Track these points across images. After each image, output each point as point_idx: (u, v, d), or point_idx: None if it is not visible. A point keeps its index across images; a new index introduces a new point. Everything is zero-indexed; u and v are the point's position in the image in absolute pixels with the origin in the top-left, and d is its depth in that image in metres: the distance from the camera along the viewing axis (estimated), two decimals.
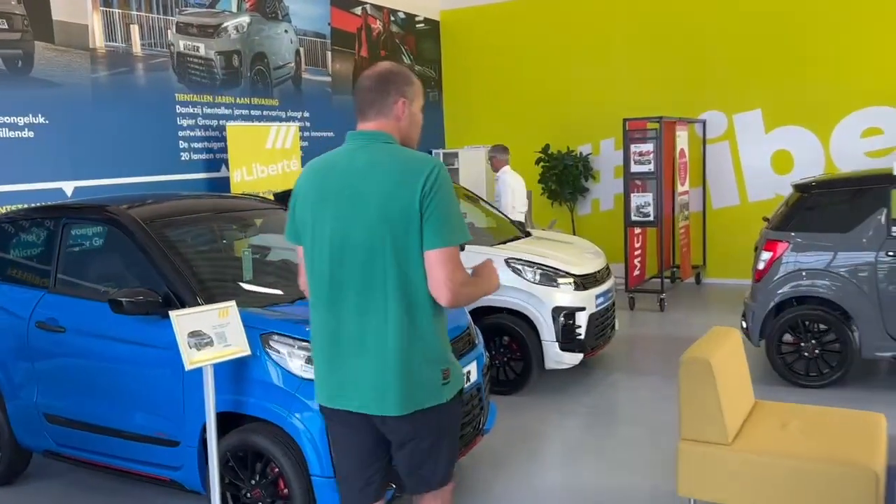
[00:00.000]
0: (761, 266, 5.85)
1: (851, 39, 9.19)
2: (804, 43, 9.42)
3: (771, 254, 5.78)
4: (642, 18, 10.34)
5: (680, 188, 9.50)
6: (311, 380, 3.22)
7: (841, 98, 9.30)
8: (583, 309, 5.80)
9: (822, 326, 5.68)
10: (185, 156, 7.66)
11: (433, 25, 11.70)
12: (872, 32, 9.08)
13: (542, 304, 5.69)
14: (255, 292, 4.19)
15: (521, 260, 5.84)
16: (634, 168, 8.64)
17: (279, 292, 4.17)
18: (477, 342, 4.29)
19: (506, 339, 5.82)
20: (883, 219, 5.44)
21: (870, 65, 9.11)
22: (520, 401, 5.67)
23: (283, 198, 7.01)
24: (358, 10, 10.09)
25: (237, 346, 3.44)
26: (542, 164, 10.73)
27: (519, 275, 5.77)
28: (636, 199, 8.68)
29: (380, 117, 2.48)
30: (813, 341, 5.68)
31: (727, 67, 9.84)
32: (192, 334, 3.34)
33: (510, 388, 5.82)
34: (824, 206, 5.75)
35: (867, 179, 5.71)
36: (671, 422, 5.22)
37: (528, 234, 6.81)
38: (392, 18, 10.79)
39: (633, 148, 8.64)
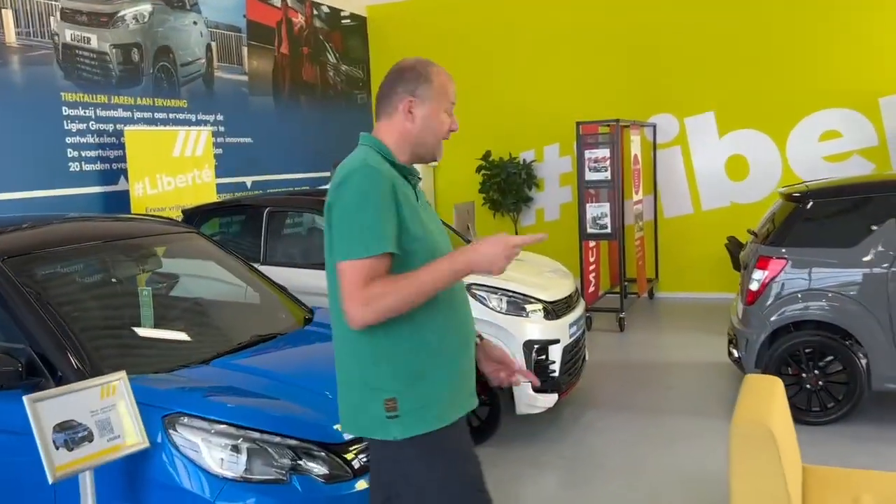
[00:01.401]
0: (755, 287, 5.14)
1: (806, 39, 8.73)
2: (758, 43, 8.92)
3: (766, 273, 5.08)
4: (587, 16, 9.66)
5: (635, 197, 8.83)
6: (235, 479, 2.33)
7: (797, 100, 8.83)
8: (556, 341, 4.96)
9: (825, 355, 5.01)
10: (74, 166, 6.45)
11: (360, 21, 10.73)
12: (826, 33, 8.64)
13: (512, 338, 4.81)
14: (157, 350, 3.15)
15: (483, 285, 4.95)
16: (589, 176, 7.90)
17: (191, 347, 3.15)
18: None
19: None
20: (892, 231, 4.81)
21: (825, 65, 8.67)
22: (488, 453, 4.75)
23: (193, 215, 5.92)
24: (277, 2, 9.03)
25: (129, 437, 2.42)
26: (482, 172, 9.91)
27: (482, 303, 4.88)
28: (592, 210, 7.94)
29: (382, 118, 2.24)
30: (816, 372, 5.01)
31: (678, 68, 9.26)
32: (62, 427, 2.30)
33: (475, 439, 4.89)
34: (824, 217, 5.10)
35: (873, 186, 5.09)
36: (664, 469, 4.44)
37: None
38: (315, 12, 9.77)
39: (588, 154, 7.91)
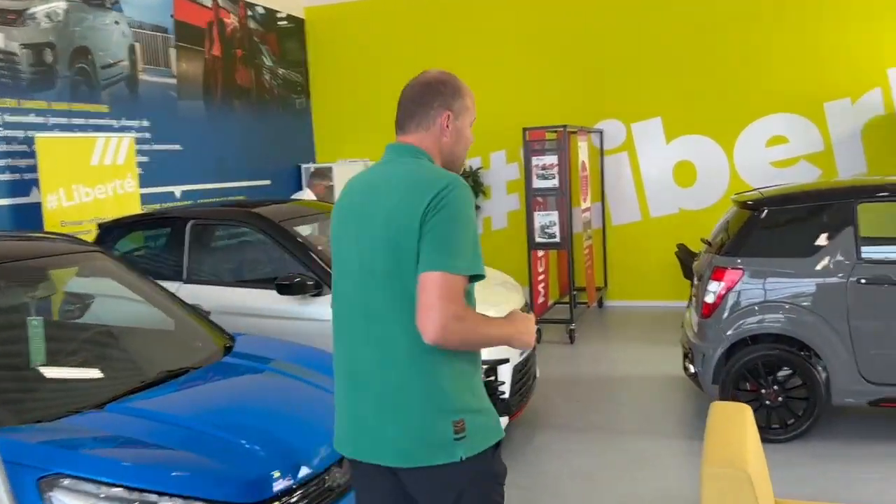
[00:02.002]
0: (710, 299, 4.90)
1: (752, 44, 8.64)
2: (705, 47, 8.80)
3: (721, 284, 4.85)
4: (532, 21, 9.41)
5: (583, 204, 8.59)
6: None
7: (743, 105, 8.73)
8: (506, 360, 4.63)
9: (785, 369, 4.81)
10: None
11: (297, 23, 10.29)
12: (772, 38, 8.57)
13: None
14: (42, 393, 2.70)
15: None
16: (537, 183, 7.63)
17: (83, 388, 2.71)
18: None
19: None
20: (850, 239, 4.63)
21: (771, 71, 8.59)
22: None
23: (110, 230, 5.43)
24: (208, 2, 8.54)
25: None
26: None
27: None
28: (540, 219, 7.67)
29: (419, 130, 2.24)
30: (775, 387, 4.79)
31: (624, 73, 9.08)
32: None
33: None
34: (780, 225, 4.89)
35: (829, 193, 4.91)
36: (625, 497, 4.15)
37: None
38: (249, 13, 9.30)
39: (535, 161, 7.63)
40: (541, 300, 7.95)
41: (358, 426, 2.10)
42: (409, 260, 1.99)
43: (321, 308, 4.63)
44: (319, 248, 5.30)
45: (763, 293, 4.77)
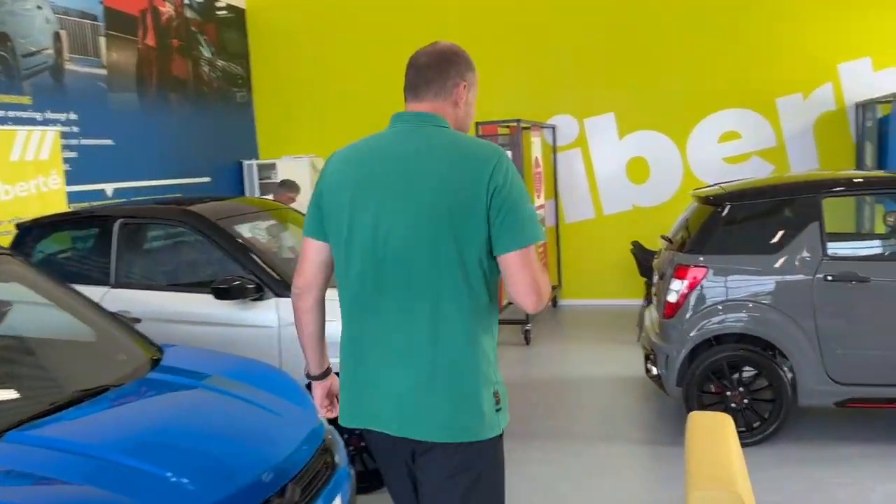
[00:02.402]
0: (673, 298, 4.71)
1: (704, 39, 8.56)
2: (657, 42, 8.68)
3: (685, 282, 4.67)
4: (484, 14, 9.16)
5: (536, 201, 8.37)
6: None
7: (696, 101, 8.65)
8: None
9: (750, 370, 4.65)
10: None
11: (238, 13, 9.84)
12: (724, 33, 8.49)
13: None
14: None
15: None
16: None
17: None
18: (338, 460, 2.71)
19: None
20: (816, 235, 4.49)
21: (723, 66, 8.52)
22: (386, 500, 4.11)
23: (30, 230, 4.98)
24: None
25: None
26: None
27: None
28: None
29: (437, 99, 2.14)
30: (741, 389, 4.63)
31: (577, 67, 8.90)
32: None
33: (369, 487, 4.22)
34: (744, 221, 4.73)
35: (793, 187, 4.76)
36: None
37: None
38: (186, 1, 8.83)
39: None
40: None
41: (398, 402, 2.01)
42: (467, 234, 1.95)
43: (263, 313, 4.29)
44: (266, 249, 4.95)
45: (727, 291, 4.60)
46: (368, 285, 2.04)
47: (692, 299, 4.65)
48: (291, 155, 9.56)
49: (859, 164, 8.10)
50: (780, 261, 4.52)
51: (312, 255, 2.17)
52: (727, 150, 8.64)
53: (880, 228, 6.29)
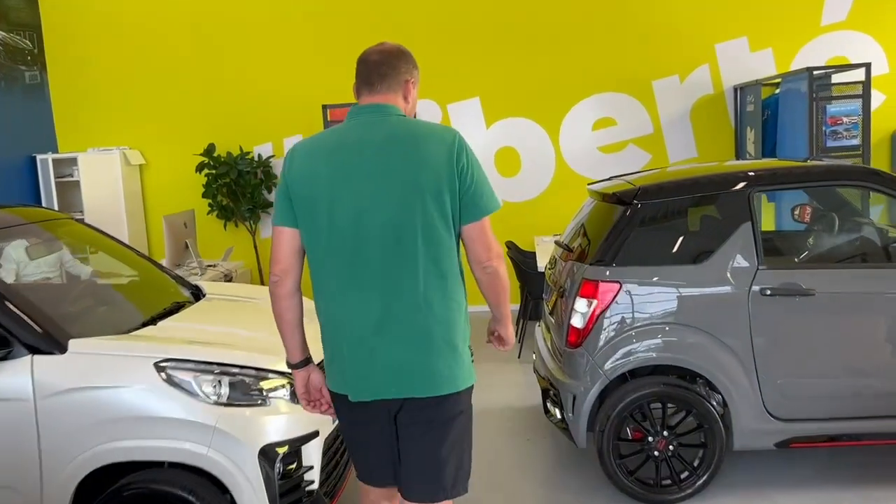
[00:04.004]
0: (579, 323, 3.75)
1: (577, 17, 7.77)
2: (524, 20, 7.81)
3: (594, 303, 3.71)
4: None
5: None
6: None
7: (568, 84, 7.85)
8: (314, 435, 3.17)
9: (678, 409, 3.77)
10: None
11: None
12: (598, 10, 7.74)
13: (239, 446, 2.93)
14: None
15: (186, 362, 3.00)
16: None
17: None
18: None
19: None
20: (749, 239, 3.66)
21: (597, 46, 7.78)
22: None
23: None
24: None
25: None
26: (205, 171, 7.80)
27: (187, 392, 2.95)
28: None
29: (389, 93, 2.37)
30: (665, 433, 3.74)
31: (437, 47, 7.86)
32: None
33: None
34: (661, 223, 3.83)
35: (717, 180, 3.90)
36: None
37: (197, 297, 3.92)
38: None
39: None
40: None
41: (401, 368, 2.26)
42: (437, 211, 2.21)
43: (9, 379, 2.91)
44: (17, 283, 3.52)
45: (643, 312, 3.69)
46: (354, 264, 2.24)
47: (604, 323, 3.71)
48: (98, 147, 7.90)
49: (740, 152, 7.60)
50: (707, 272, 3.66)
51: (287, 241, 2.34)
52: (602, 137, 7.92)
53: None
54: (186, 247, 6.66)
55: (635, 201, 3.81)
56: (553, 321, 4.16)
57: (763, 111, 6.94)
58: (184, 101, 8.15)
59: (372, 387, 2.27)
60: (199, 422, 2.90)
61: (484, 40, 7.85)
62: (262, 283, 8.00)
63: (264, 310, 2.73)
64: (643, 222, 3.78)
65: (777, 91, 7.07)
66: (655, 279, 3.69)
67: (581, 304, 3.75)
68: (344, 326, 2.28)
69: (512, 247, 7.04)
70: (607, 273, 3.71)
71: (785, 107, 6.46)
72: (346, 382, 2.32)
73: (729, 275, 3.64)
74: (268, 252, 8.31)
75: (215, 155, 7.78)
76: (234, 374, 3.02)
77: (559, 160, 7.98)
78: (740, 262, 3.63)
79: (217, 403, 2.96)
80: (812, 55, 7.51)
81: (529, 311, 6.82)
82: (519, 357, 6.29)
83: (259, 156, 8.06)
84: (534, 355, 4.63)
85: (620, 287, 3.69)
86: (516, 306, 7.42)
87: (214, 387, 2.98)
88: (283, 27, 7.98)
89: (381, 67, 2.35)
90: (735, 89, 7.65)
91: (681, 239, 3.78)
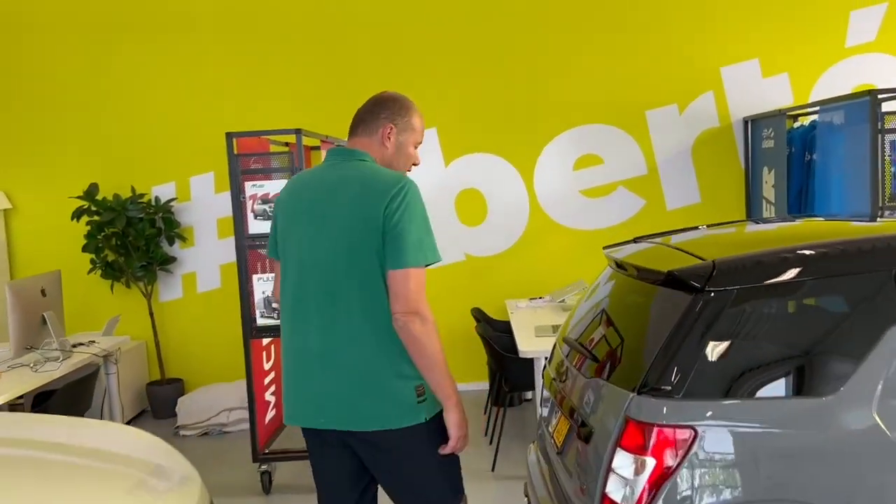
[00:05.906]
0: (619, 493, 2.20)
1: (555, 36, 6.42)
2: (492, 43, 6.43)
3: (648, 462, 2.17)
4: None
5: None
6: None
7: (544, 113, 6.52)
8: None
9: None
10: None
11: None
12: (579, 28, 6.42)
13: None
14: None
15: None
16: (254, 226, 4.61)
17: None
18: None
19: None
20: None
21: (578, 68, 6.44)
22: None
23: None
24: None
25: None
26: (84, 217, 6.12)
27: None
28: (263, 285, 4.64)
29: (364, 136, 2.54)
30: None
31: (384, 70, 6.43)
32: None
33: None
34: (758, 324, 2.32)
35: (851, 252, 2.41)
36: None
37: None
38: None
39: (250, 188, 4.61)
40: (269, 419, 4.89)
41: (329, 399, 2.39)
42: (367, 255, 2.32)
43: None
44: None
45: (743, 482, 2.17)
46: (298, 299, 2.45)
47: (664, 494, 2.16)
48: None
49: (753, 197, 6.26)
50: (844, 406, 2.16)
51: (278, 272, 2.59)
52: (585, 178, 6.54)
53: None
54: (44, 321, 4.96)
55: (709, 288, 2.30)
56: (562, 463, 2.61)
57: (788, 146, 5.60)
58: (63, 130, 6.49)
59: (300, 414, 2.48)
60: None
61: (440, 60, 6.45)
62: (159, 360, 6.33)
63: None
64: (732, 323, 2.26)
65: (802, 123, 5.77)
66: (758, 424, 2.17)
67: (623, 462, 2.20)
68: (288, 355, 2.51)
69: (481, 317, 5.53)
70: (671, 411, 2.18)
71: (825, 142, 5.12)
72: (289, 408, 2.51)
73: (877, 415, 2.14)
74: (171, 324, 6.63)
75: (98, 198, 6.09)
76: None
77: (533, 205, 6.55)
78: (882, 385, 2.14)
79: None
80: (836, 81, 6.27)
81: (505, 399, 5.29)
82: (493, 470, 4.74)
83: (157, 199, 6.41)
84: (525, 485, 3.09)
85: (695, 436, 2.15)
86: (483, 386, 5.91)
87: None
88: (187, 43, 6.44)
89: (361, 114, 2.55)
90: (745, 121, 6.34)
91: (797, 351, 2.27)
